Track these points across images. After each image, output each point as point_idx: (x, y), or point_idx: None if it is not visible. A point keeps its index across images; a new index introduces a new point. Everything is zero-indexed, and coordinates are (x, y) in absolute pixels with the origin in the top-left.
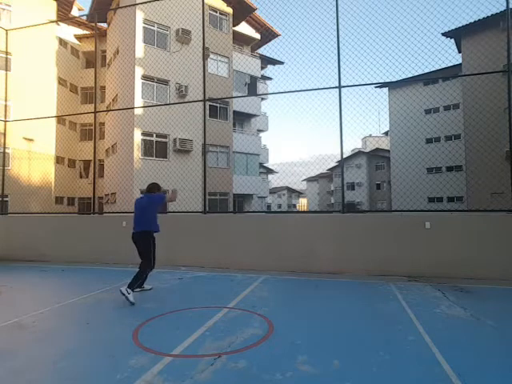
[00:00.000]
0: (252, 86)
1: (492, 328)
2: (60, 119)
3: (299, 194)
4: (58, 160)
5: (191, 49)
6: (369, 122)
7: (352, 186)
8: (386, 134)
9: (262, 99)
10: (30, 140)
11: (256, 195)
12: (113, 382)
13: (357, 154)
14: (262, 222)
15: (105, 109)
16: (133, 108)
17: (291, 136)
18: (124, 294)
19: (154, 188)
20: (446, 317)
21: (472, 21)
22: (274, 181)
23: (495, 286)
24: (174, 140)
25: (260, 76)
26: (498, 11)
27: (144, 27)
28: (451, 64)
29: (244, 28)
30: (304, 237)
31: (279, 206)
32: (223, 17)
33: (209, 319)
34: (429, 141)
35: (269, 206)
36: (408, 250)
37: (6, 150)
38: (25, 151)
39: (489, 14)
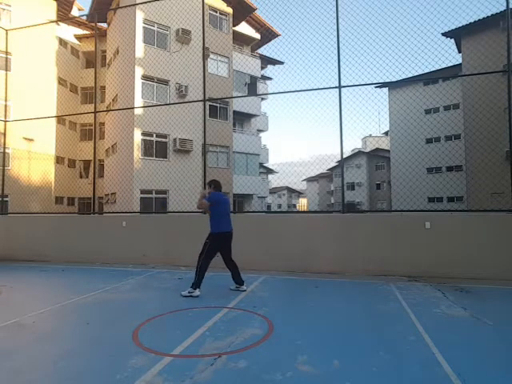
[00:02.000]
0: (252, 86)
1: (492, 328)
2: (60, 119)
3: (299, 193)
4: (58, 160)
5: (191, 49)
6: (369, 122)
7: (352, 186)
8: (386, 133)
9: (262, 99)
10: (30, 140)
11: (256, 195)
12: (113, 382)
13: (357, 153)
14: (262, 222)
15: (105, 109)
16: (133, 108)
17: (291, 136)
18: (243, 290)
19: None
20: (446, 317)
21: (472, 21)
22: (274, 181)
23: (495, 286)
24: (174, 140)
25: (260, 76)
26: (498, 11)
27: (144, 27)
28: (451, 64)
29: (244, 28)
30: (304, 237)
31: (279, 206)
32: (223, 17)
33: (209, 319)
34: (429, 141)
35: (269, 206)
36: (408, 250)
37: (6, 150)
38: (25, 151)
39: (489, 14)
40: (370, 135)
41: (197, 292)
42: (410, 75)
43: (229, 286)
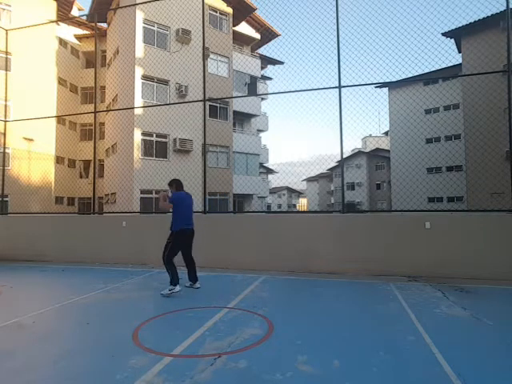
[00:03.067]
0: (252, 86)
1: (492, 328)
2: (60, 119)
3: (299, 193)
4: (58, 160)
5: (191, 49)
6: (369, 122)
7: (352, 186)
8: (386, 133)
9: (262, 99)
10: (30, 140)
11: (256, 195)
12: (113, 382)
13: (357, 153)
14: (262, 222)
15: (105, 109)
16: (133, 108)
17: (291, 136)
18: (197, 287)
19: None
20: (446, 317)
21: (472, 21)
22: (274, 181)
23: (495, 286)
24: (174, 140)
25: (260, 76)
26: (498, 11)
27: (144, 27)
28: (451, 64)
29: (244, 28)
30: (304, 237)
31: (279, 206)
32: (223, 17)
33: (209, 319)
34: (429, 141)
35: (269, 206)
36: (408, 249)
37: (6, 150)
38: (25, 151)
39: (489, 14)
40: (370, 135)
41: (177, 288)
42: (410, 75)
43: (228, 286)
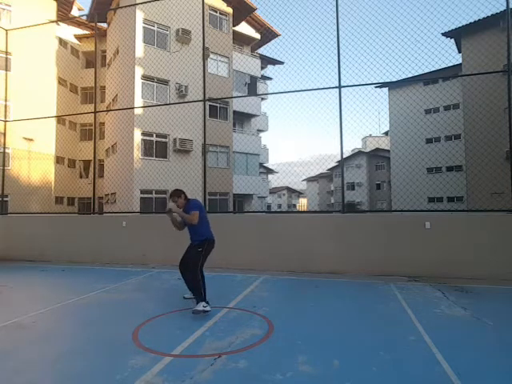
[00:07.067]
0: (252, 86)
1: (492, 328)
2: (60, 119)
3: (299, 193)
4: (58, 160)
5: (191, 49)
6: (369, 122)
7: (352, 186)
8: (386, 134)
9: (262, 99)
10: (30, 140)
11: (256, 195)
12: (113, 382)
13: (357, 153)
14: (262, 222)
15: (105, 109)
16: (133, 108)
17: (291, 136)
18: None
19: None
20: (446, 317)
21: (472, 21)
22: (274, 181)
23: (495, 286)
24: (174, 140)
25: (260, 76)
26: (498, 11)
27: (144, 27)
28: (451, 64)
29: (244, 28)
30: (304, 237)
31: (279, 206)
32: (223, 17)
33: (209, 319)
34: (429, 141)
35: (269, 206)
36: (408, 250)
37: (6, 150)
38: (25, 151)
39: (489, 14)
40: (370, 135)
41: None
42: (410, 75)
43: (228, 286)
